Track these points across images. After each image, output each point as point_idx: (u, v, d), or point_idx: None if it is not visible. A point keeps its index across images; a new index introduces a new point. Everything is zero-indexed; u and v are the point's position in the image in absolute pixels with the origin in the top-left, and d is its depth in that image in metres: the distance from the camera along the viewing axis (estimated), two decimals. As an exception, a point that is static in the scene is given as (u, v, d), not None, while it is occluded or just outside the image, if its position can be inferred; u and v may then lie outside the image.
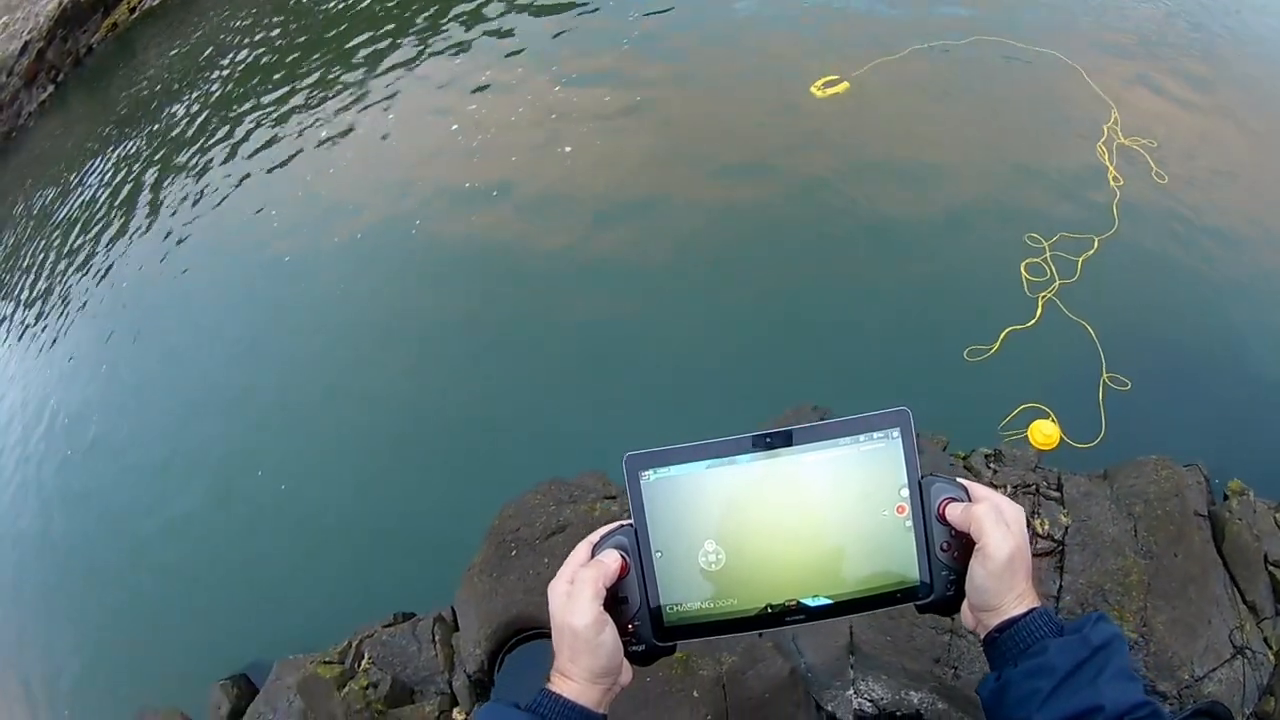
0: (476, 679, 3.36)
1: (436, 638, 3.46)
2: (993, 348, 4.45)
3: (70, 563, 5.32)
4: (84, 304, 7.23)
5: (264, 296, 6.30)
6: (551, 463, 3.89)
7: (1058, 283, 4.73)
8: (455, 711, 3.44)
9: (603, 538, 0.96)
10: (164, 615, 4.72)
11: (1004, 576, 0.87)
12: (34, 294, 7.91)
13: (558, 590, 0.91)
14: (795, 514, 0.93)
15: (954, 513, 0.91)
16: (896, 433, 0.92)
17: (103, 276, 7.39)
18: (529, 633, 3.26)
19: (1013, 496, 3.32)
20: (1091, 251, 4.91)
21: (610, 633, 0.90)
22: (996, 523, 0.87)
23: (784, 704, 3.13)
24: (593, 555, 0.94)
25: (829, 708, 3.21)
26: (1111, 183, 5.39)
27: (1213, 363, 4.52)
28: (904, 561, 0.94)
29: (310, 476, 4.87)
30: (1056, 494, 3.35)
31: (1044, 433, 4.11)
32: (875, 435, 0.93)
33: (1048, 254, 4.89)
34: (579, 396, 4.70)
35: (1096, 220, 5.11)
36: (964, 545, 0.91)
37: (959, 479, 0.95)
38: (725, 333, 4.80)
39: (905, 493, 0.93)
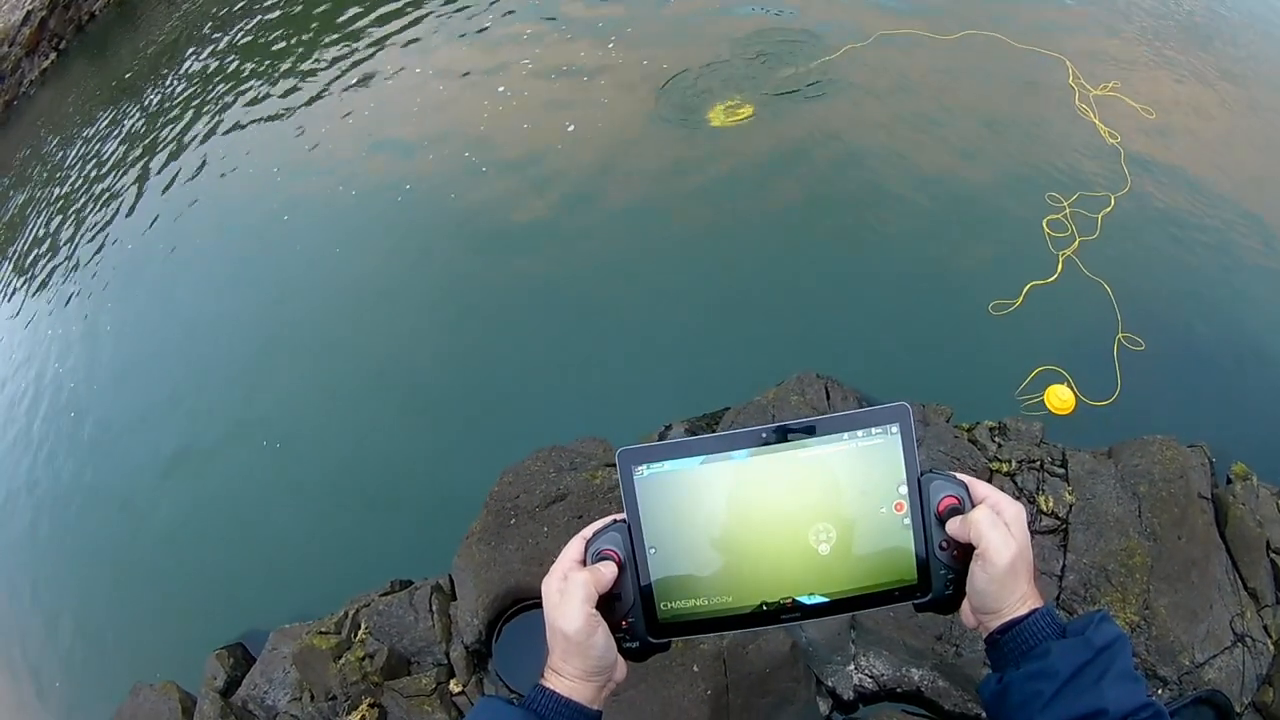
0: (474, 650, 3.34)
1: (434, 607, 3.43)
2: (1016, 302, 4.48)
3: (63, 536, 5.28)
4: (87, 267, 7.20)
5: (262, 259, 6.27)
6: (551, 427, 3.86)
7: (1078, 240, 4.79)
8: (452, 683, 3.42)
9: (596, 533, 0.94)
10: (159, 585, 4.68)
11: (1006, 580, 0.86)
12: (36, 259, 7.87)
13: (550, 588, 0.90)
14: (791, 511, 0.91)
15: (954, 527, 0.89)
16: (896, 428, 0.90)
17: (106, 241, 7.36)
18: (527, 603, 3.23)
19: (1017, 472, 3.32)
20: (1109, 209, 4.97)
21: (602, 634, 0.89)
22: (995, 526, 0.86)
23: (784, 679, 3.11)
24: (586, 550, 0.93)
25: (829, 683, 3.20)
26: (1108, 138, 5.47)
27: (1223, 331, 4.57)
28: (902, 560, 0.92)
29: (306, 440, 4.83)
30: (1061, 470, 3.33)
31: (1060, 398, 4.12)
32: (874, 431, 0.91)
33: (1068, 211, 4.95)
34: (579, 360, 4.66)
35: (1110, 179, 5.19)
36: (963, 545, 0.89)
37: (959, 475, 0.93)
38: (736, 292, 4.76)
39: (904, 490, 0.91)
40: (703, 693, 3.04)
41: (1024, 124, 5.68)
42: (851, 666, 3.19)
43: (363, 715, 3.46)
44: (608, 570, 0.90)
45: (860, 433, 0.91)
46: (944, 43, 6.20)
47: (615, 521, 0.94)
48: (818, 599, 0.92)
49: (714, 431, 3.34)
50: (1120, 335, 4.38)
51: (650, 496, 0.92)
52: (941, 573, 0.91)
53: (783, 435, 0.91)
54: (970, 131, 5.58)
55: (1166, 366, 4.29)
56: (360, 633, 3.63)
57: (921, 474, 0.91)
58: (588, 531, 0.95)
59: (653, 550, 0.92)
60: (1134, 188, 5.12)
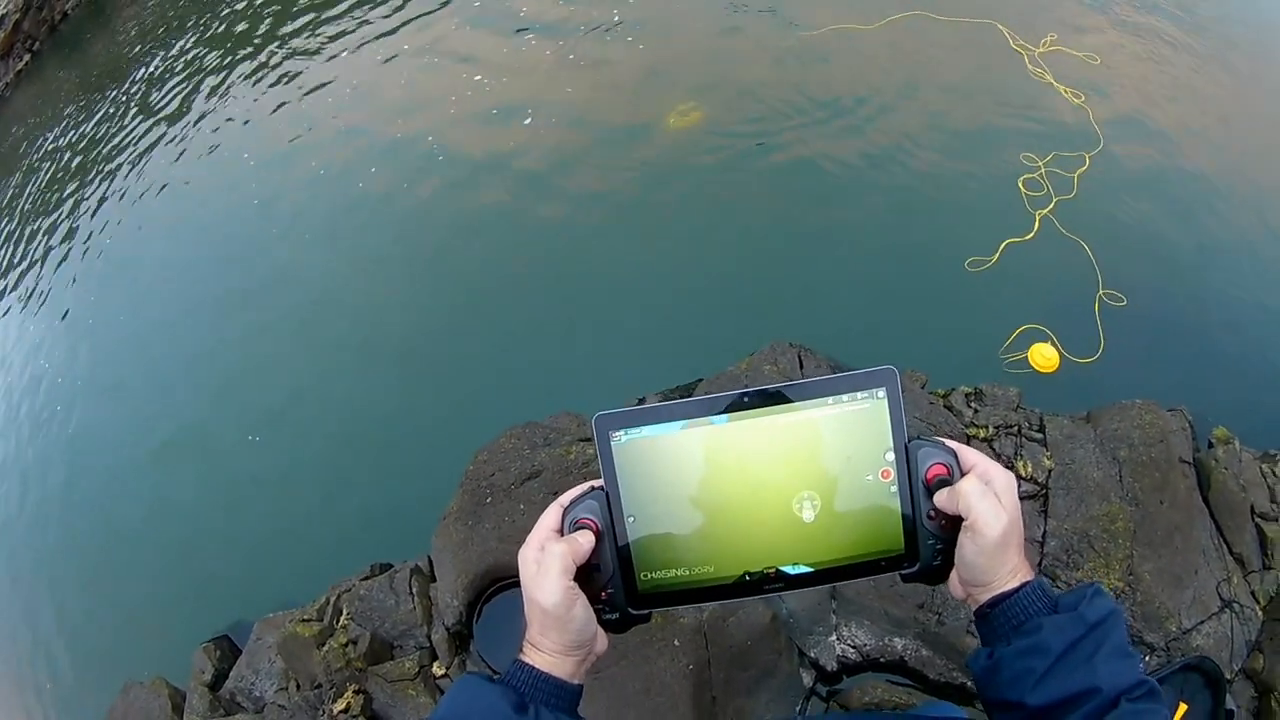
0: (455, 631, 3.33)
1: (414, 590, 3.42)
2: (992, 259, 4.48)
3: (47, 536, 5.26)
4: (68, 262, 7.16)
5: (235, 246, 6.25)
6: (524, 404, 3.81)
7: (1055, 200, 4.79)
8: (435, 666, 3.41)
9: (574, 501, 0.92)
10: (145, 580, 4.67)
11: (995, 553, 0.84)
12: (14, 257, 7.84)
13: (527, 559, 0.88)
14: (774, 477, 0.89)
15: (941, 499, 0.87)
16: (882, 392, 0.88)
17: (85, 235, 7.34)
18: (506, 581, 3.22)
19: (995, 437, 3.30)
20: (1084, 168, 4.99)
21: (581, 607, 0.87)
22: (984, 496, 0.84)
23: (766, 651, 3.10)
24: (564, 518, 0.91)
25: (812, 654, 3.18)
26: (1072, 99, 5.48)
27: (1204, 288, 4.60)
28: (889, 529, 0.90)
29: (282, 426, 4.81)
30: (1039, 435, 3.31)
31: (1044, 355, 4.12)
32: (860, 395, 0.88)
33: (1042, 171, 4.96)
34: (549, 336, 4.64)
35: (1083, 138, 5.22)
36: (952, 515, 0.87)
37: (948, 442, 0.91)
38: (705, 263, 4.71)
39: (891, 457, 0.89)
40: (684, 667, 3.03)
41: (985, 94, 5.68)
42: (834, 637, 3.18)
43: (348, 702, 3.45)
44: (585, 540, 0.88)
45: (845, 397, 0.88)
46: (872, 31, 6.16)
47: (593, 489, 0.92)
48: (802, 569, 0.90)
49: None
50: (1101, 292, 4.37)
51: (629, 463, 0.89)
52: (930, 543, 0.89)
53: (765, 399, 0.88)
54: (933, 108, 5.57)
55: (1149, 323, 4.30)
56: (342, 619, 3.62)
57: (909, 440, 0.89)
58: (565, 499, 0.93)
59: (631, 519, 0.90)
60: (1107, 146, 5.13)
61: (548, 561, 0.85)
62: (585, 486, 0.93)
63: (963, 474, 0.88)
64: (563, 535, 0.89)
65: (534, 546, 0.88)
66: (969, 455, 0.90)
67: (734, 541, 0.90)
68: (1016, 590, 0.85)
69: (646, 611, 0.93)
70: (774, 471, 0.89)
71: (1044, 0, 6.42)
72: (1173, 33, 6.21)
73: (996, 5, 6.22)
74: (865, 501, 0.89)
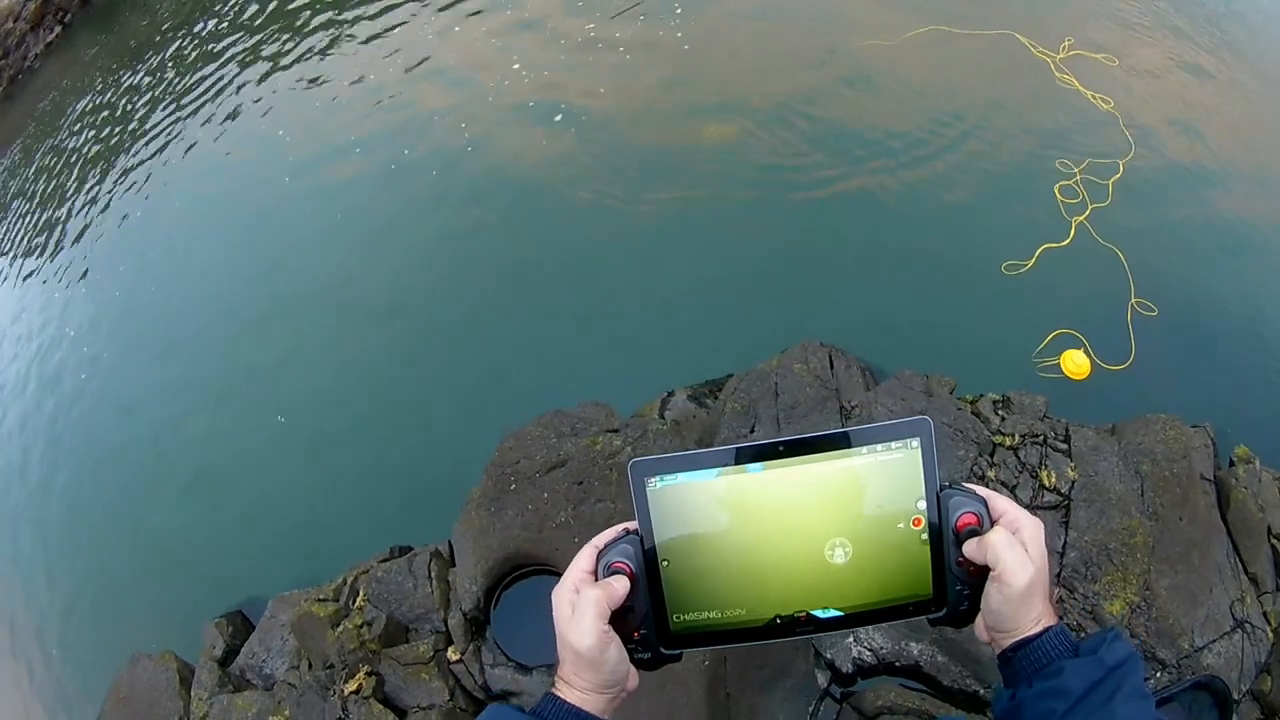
0: (472, 617, 3.34)
1: (433, 574, 3.43)
2: (1029, 263, 4.51)
3: (60, 505, 5.30)
4: (96, 234, 7.23)
5: (266, 224, 6.28)
6: (554, 392, 3.84)
7: (1090, 207, 4.82)
8: (450, 650, 3.41)
9: (608, 544, 0.93)
10: (160, 553, 4.70)
11: (1021, 602, 0.86)
12: (45, 228, 7.89)
13: (562, 601, 0.89)
14: (807, 524, 0.90)
15: (970, 549, 0.88)
16: (916, 442, 0.89)
17: (114, 208, 7.39)
18: (526, 569, 3.22)
19: (1020, 446, 3.30)
20: (1119, 175, 5.01)
21: (615, 649, 0.88)
22: (1011, 547, 0.85)
23: (783, 651, 3.11)
24: (598, 560, 0.92)
25: (828, 656, 3.19)
26: (1101, 105, 5.50)
27: (1233, 300, 4.61)
28: (918, 575, 0.91)
29: (309, 408, 4.84)
30: (1064, 446, 3.31)
31: (1076, 363, 4.14)
32: (894, 445, 0.89)
33: (1078, 178, 4.98)
34: (582, 325, 4.67)
35: (1116, 145, 5.24)
36: (981, 564, 0.89)
37: (979, 489, 0.92)
38: (741, 258, 4.73)
39: (922, 505, 0.90)
40: (700, 662, 3.04)
41: (1017, 102, 5.70)
42: (850, 639, 3.19)
43: (360, 684, 3.46)
44: (620, 585, 0.89)
45: (880, 446, 0.89)
46: (896, 47, 6.14)
47: (627, 532, 0.93)
48: (832, 613, 0.91)
49: (717, 399, 3.34)
50: (1133, 301, 4.39)
51: (663, 508, 0.91)
52: (957, 589, 0.91)
53: (800, 447, 0.90)
54: (968, 116, 5.58)
55: (1178, 334, 4.33)
56: (359, 600, 3.63)
57: (941, 489, 0.90)
58: (599, 540, 0.94)
59: (665, 563, 0.91)
60: (1139, 152, 5.16)
61: (583, 606, 0.86)
62: (619, 529, 0.94)
63: (992, 522, 0.90)
64: (597, 578, 0.91)
65: (568, 588, 0.89)
66: (999, 503, 0.91)
67: (766, 585, 0.91)
68: (1039, 635, 0.87)
69: (678, 651, 0.94)
70: (807, 518, 0.90)
71: (1052, 5, 6.46)
72: (1187, 29, 6.24)
73: (1007, 15, 6.25)
74: (896, 548, 0.90)
